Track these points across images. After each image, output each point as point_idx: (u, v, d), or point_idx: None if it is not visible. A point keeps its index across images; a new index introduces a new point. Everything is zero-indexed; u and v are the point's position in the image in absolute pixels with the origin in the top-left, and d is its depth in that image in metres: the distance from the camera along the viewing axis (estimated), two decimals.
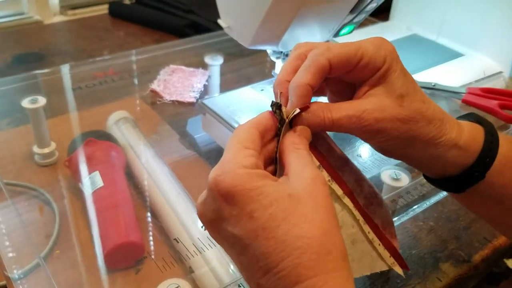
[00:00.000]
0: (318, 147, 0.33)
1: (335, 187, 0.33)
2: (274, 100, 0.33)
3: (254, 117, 0.32)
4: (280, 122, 0.32)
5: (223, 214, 0.28)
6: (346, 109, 0.32)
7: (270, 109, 0.33)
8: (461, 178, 0.35)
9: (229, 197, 0.27)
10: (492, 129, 0.36)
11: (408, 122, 0.32)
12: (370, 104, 0.32)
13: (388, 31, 0.85)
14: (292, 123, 0.32)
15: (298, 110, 0.31)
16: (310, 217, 0.27)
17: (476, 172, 0.34)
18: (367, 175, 0.56)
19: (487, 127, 0.36)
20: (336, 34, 0.57)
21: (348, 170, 0.35)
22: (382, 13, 0.88)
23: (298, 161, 0.30)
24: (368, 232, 0.34)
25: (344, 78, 0.34)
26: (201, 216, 0.30)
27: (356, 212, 0.33)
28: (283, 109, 0.32)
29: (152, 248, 0.48)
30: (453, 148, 0.34)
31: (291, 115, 0.31)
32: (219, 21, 0.57)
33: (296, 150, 0.30)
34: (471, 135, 0.35)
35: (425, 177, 0.39)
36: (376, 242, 0.35)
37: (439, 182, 0.37)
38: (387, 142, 0.33)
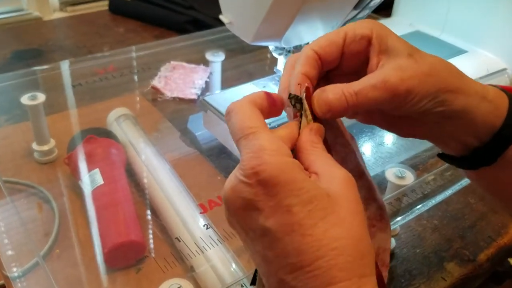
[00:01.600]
0: (333, 154, 0.32)
1: None
2: (291, 93, 0.31)
3: (246, 96, 0.30)
4: (300, 116, 0.30)
5: (257, 203, 0.26)
6: (367, 80, 0.30)
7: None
8: (491, 144, 0.33)
9: (269, 187, 0.26)
10: (509, 92, 0.34)
11: (432, 74, 0.31)
12: (388, 69, 0.31)
13: (390, 28, 0.84)
14: (313, 110, 0.30)
15: (305, 86, 0.30)
16: (348, 220, 0.26)
17: (507, 134, 0.32)
18: (371, 173, 0.55)
19: (505, 91, 0.34)
20: None
21: (359, 184, 0.32)
22: (384, 9, 0.87)
23: (323, 160, 0.29)
24: None
25: (345, 65, 0.33)
26: (229, 203, 0.28)
27: None
28: (304, 102, 0.30)
29: (153, 247, 0.48)
30: (483, 100, 0.32)
31: (302, 90, 0.30)
32: (221, 17, 0.56)
33: (315, 149, 0.29)
34: (496, 92, 0.33)
35: (450, 159, 0.36)
36: None
37: (467, 159, 0.35)
38: (420, 105, 0.31)
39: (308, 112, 0.30)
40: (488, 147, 0.33)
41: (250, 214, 0.27)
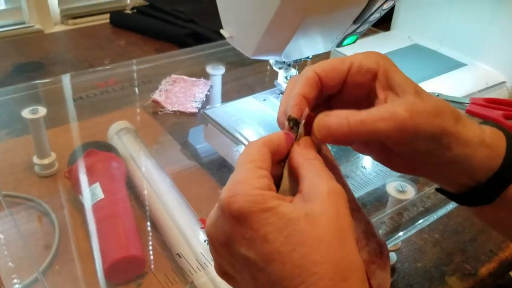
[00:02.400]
0: None
1: None
2: (291, 115, 0.31)
3: (266, 135, 0.31)
4: (297, 139, 0.31)
5: (235, 236, 0.27)
6: (376, 110, 0.30)
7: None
8: (489, 185, 0.33)
9: (243, 219, 0.26)
10: (507, 130, 0.34)
11: (438, 115, 0.30)
12: (398, 103, 0.30)
13: (389, 41, 0.85)
14: (311, 135, 0.31)
15: (307, 111, 0.30)
16: (326, 240, 0.25)
17: (505, 174, 0.32)
18: (371, 187, 0.55)
19: (503, 129, 0.34)
20: (339, 45, 0.57)
21: (358, 217, 0.32)
22: (383, 23, 0.87)
23: (312, 174, 0.28)
24: None
25: (347, 93, 0.33)
26: (212, 239, 0.29)
27: None
28: (301, 126, 0.30)
29: (153, 262, 0.48)
30: (481, 146, 0.32)
31: (304, 115, 0.30)
32: (222, 31, 0.57)
33: (307, 162, 0.29)
34: (493, 133, 0.33)
35: (449, 194, 0.36)
36: None
37: (465, 196, 0.34)
38: (424, 144, 0.30)
39: (302, 136, 0.30)
40: (485, 188, 0.33)
41: (232, 247, 0.27)
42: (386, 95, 0.31)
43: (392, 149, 0.32)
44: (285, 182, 0.30)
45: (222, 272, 0.30)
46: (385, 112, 0.29)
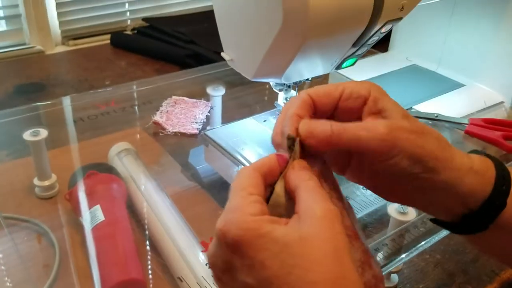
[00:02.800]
0: None
1: None
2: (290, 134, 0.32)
3: (258, 160, 0.32)
4: (292, 157, 0.31)
5: (235, 264, 0.28)
6: (359, 123, 0.32)
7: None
8: (481, 213, 0.33)
9: (238, 248, 0.27)
10: (498, 160, 0.35)
11: (422, 136, 0.31)
12: (380, 120, 0.32)
13: (387, 62, 0.86)
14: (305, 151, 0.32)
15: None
16: (322, 261, 0.26)
17: (496, 202, 0.33)
18: (372, 208, 0.55)
19: (490, 156, 0.35)
20: (339, 67, 0.57)
21: (355, 245, 0.32)
22: (381, 44, 0.88)
23: (307, 195, 0.29)
24: None
25: (338, 118, 0.34)
26: (214, 268, 0.30)
27: None
28: (296, 145, 0.31)
29: (154, 285, 0.47)
30: (469, 172, 0.33)
31: (298, 139, 0.31)
32: (222, 54, 0.57)
33: (303, 183, 0.30)
34: (482, 162, 0.34)
35: (442, 224, 0.36)
36: None
37: (458, 224, 0.35)
38: (406, 164, 0.31)
39: (297, 156, 0.31)
40: (478, 215, 0.33)
41: (233, 274, 0.28)
42: (373, 118, 0.33)
43: (381, 171, 0.32)
44: (277, 198, 0.31)
45: None
46: (366, 123, 0.32)
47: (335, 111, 0.34)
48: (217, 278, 0.30)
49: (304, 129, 0.31)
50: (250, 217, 0.27)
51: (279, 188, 0.31)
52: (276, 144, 0.33)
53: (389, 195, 0.35)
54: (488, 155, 0.36)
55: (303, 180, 0.30)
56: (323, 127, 0.31)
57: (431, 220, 0.37)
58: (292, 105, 0.33)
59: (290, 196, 0.30)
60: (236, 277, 0.28)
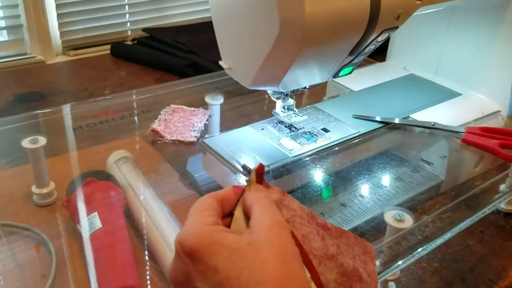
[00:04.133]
0: (293, 229, 0.34)
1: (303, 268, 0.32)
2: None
3: (216, 192, 0.35)
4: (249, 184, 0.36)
5: (191, 273, 0.30)
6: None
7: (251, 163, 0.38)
8: None
9: (194, 255, 0.29)
10: None
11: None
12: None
13: (385, 71, 0.86)
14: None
15: (258, 164, 0.36)
16: (269, 262, 0.28)
17: None
18: (369, 215, 0.55)
19: None
20: (336, 75, 0.58)
21: (329, 266, 0.34)
22: (379, 53, 0.89)
23: (260, 211, 0.32)
24: None
25: None
26: (173, 281, 0.32)
27: None
28: (252, 173, 0.35)
29: None
30: None
31: (256, 165, 0.36)
32: (221, 63, 0.58)
33: (256, 201, 0.33)
34: None
35: None
36: None
37: None
38: None
39: (253, 183, 0.35)
40: None
41: (190, 284, 0.30)
42: None
43: None
44: (236, 222, 0.34)
45: None
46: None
47: None
48: None
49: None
50: (204, 227, 0.31)
51: (238, 213, 0.34)
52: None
53: None
54: None
55: (257, 198, 0.33)
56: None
57: None
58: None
59: (248, 215, 0.33)
60: (194, 286, 0.30)
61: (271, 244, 0.29)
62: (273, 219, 0.31)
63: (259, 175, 0.36)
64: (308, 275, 0.33)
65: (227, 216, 0.35)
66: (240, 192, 0.35)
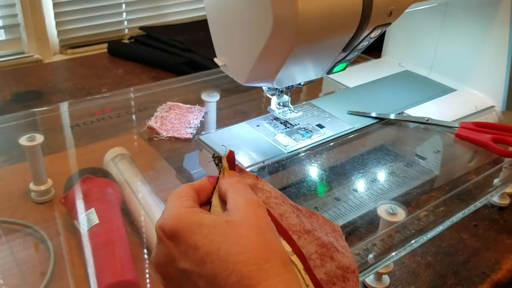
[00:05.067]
0: (269, 209, 0.36)
1: (284, 243, 0.34)
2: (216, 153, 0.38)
3: (192, 183, 0.37)
4: (219, 173, 0.37)
5: (173, 254, 0.31)
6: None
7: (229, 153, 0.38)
8: None
9: (174, 236, 0.31)
10: None
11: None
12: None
13: (380, 68, 0.87)
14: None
15: (227, 151, 0.37)
16: (245, 235, 0.30)
17: None
18: (363, 210, 0.56)
19: None
20: (330, 71, 0.58)
21: (308, 239, 0.35)
22: (374, 50, 0.90)
23: (235, 194, 0.34)
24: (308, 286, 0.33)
25: None
26: (157, 266, 0.33)
27: (306, 276, 0.33)
28: (223, 161, 0.37)
29: (148, 286, 0.48)
30: None
31: (226, 152, 0.37)
32: (216, 60, 0.58)
33: (231, 186, 0.35)
34: None
35: None
36: None
37: None
38: None
39: (226, 170, 0.37)
40: None
41: (173, 266, 0.31)
42: None
43: None
44: (214, 209, 0.35)
45: None
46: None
47: None
48: (162, 277, 0.33)
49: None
50: (182, 209, 0.32)
51: (215, 200, 0.36)
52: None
53: None
54: None
55: (230, 184, 0.35)
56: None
57: None
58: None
59: (224, 202, 0.35)
60: (176, 267, 0.31)
61: (248, 220, 0.31)
62: (247, 198, 0.33)
63: (230, 161, 0.37)
64: (289, 249, 0.34)
65: (204, 205, 0.36)
66: (215, 181, 0.37)
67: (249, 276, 0.28)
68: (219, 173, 0.37)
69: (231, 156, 0.37)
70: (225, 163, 0.37)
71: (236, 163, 0.38)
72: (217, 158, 0.38)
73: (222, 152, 0.38)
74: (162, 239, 0.32)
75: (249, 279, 0.28)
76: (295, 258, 0.33)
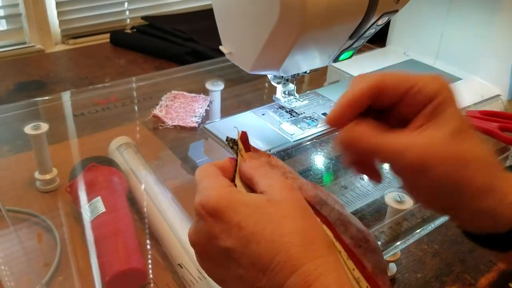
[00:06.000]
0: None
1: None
2: (229, 137, 0.37)
3: (216, 162, 0.36)
4: (237, 155, 0.36)
5: (215, 232, 0.30)
6: (396, 137, 0.31)
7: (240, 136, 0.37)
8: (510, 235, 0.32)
9: (217, 214, 0.30)
10: None
11: (457, 161, 0.30)
12: (418, 137, 0.31)
13: (385, 57, 0.86)
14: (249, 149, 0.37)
15: (240, 132, 0.36)
16: (290, 216, 0.30)
17: None
18: (370, 198, 0.56)
19: None
20: (336, 59, 0.58)
21: (327, 210, 0.35)
22: (379, 39, 0.89)
23: (264, 178, 0.33)
24: (353, 270, 0.32)
25: (399, 109, 0.33)
26: (195, 244, 0.33)
27: (337, 243, 0.33)
28: (239, 143, 0.36)
29: (154, 274, 0.48)
30: (505, 201, 0.31)
31: (238, 134, 0.36)
32: (221, 48, 0.58)
33: (257, 170, 0.34)
34: None
35: (466, 234, 0.35)
36: (363, 283, 0.32)
37: (484, 239, 0.34)
38: (432, 186, 0.31)
39: (243, 151, 0.36)
40: (506, 238, 0.32)
41: (213, 244, 0.31)
42: (426, 121, 0.32)
43: (416, 183, 0.32)
44: (241, 191, 0.34)
45: (217, 280, 0.33)
46: (400, 143, 0.31)
47: (398, 102, 0.33)
48: (200, 257, 0.33)
49: (345, 137, 0.33)
50: (224, 188, 0.32)
51: (238, 182, 0.35)
52: (332, 120, 0.34)
53: (427, 204, 0.35)
54: None
55: (254, 168, 0.34)
56: (365, 138, 0.32)
57: (463, 232, 0.36)
58: (357, 86, 0.33)
59: (248, 186, 0.34)
60: (216, 246, 0.30)
61: (288, 201, 0.31)
62: (280, 181, 0.32)
63: (245, 142, 0.37)
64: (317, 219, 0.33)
65: None
66: (235, 162, 0.36)
67: (296, 256, 0.28)
68: (236, 156, 0.36)
69: (244, 137, 0.37)
70: (240, 145, 0.37)
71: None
72: (231, 141, 0.37)
73: (234, 135, 0.38)
74: (203, 216, 0.31)
75: (296, 259, 0.28)
76: (337, 245, 0.33)
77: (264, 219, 0.29)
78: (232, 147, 0.37)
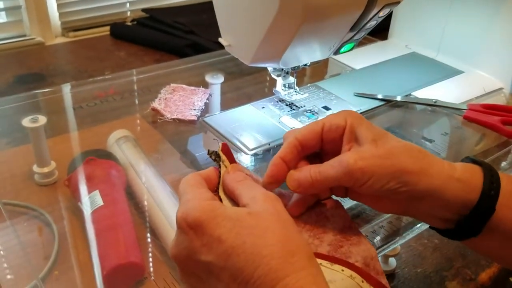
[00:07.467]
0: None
1: None
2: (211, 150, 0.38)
3: (201, 171, 0.37)
4: (220, 166, 0.37)
5: (195, 246, 0.31)
6: (329, 161, 0.36)
7: (222, 143, 0.38)
8: (472, 218, 0.35)
9: (198, 228, 0.30)
10: (489, 166, 0.37)
11: (388, 157, 0.35)
12: (348, 153, 0.36)
13: (387, 50, 0.86)
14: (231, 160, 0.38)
15: (220, 144, 0.38)
16: (270, 228, 0.30)
17: (485, 207, 0.35)
18: None
19: (484, 165, 0.37)
20: (337, 52, 0.57)
21: (303, 218, 0.37)
22: (381, 32, 0.88)
23: (246, 189, 0.34)
24: (342, 270, 0.33)
25: (327, 148, 0.39)
26: (176, 257, 0.33)
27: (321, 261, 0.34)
28: (221, 154, 0.37)
29: (152, 268, 0.47)
30: (450, 180, 0.35)
31: (219, 146, 0.38)
32: (220, 40, 0.57)
33: (240, 183, 0.35)
34: (466, 170, 0.36)
35: (439, 231, 0.39)
36: (358, 279, 0.33)
37: (452, 231, 0.37)
38: (380, 184, 0.34)
39: (227, 162, 0.37)
40: (468, 221, 0.35)
41: (194, 258, 0.31)
42: (350, 146, 0.37)
43: (362, 192, 0.36)
44: (224, 202, 0.35)
45: None
46: (335, 161, 0.36)
47: (322, 142, 0.38)
48: (181, 270, 0.33)
49: (291, 181, 0.36)
50: (205, 201, 0.32)
51: (222, 193, 0.36)
52: (267, 186, 0.37)
53: (382, 209, 0.38)
54: (478, 162, 0.38)
55: (238, 181, 0.35)
56: (305, 175, 0.36)
57: (430, 227, 0.40)
58: (281, 149, 0.38)
59: (232, 198, 0.35)
60: (197, 260, 0.31)
61: (269, 213, 0.31)
62: (263, 193, 0.33)
63: (227, 153, 0.37)
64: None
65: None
66: (218, 173, 0.37)
67: (276, 268, 0.28)
68: (219, 167, 0.37)
69: (225, 149, 0.37)
70: (223, 156, 0.37)
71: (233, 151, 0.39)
72: (213, 153, 0.38)
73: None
74: (184, 229, 0.31)
75: (276, 271, 0.28)
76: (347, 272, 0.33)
77: (245, 232, 0.29)
78: (214, 160, 0.37)
